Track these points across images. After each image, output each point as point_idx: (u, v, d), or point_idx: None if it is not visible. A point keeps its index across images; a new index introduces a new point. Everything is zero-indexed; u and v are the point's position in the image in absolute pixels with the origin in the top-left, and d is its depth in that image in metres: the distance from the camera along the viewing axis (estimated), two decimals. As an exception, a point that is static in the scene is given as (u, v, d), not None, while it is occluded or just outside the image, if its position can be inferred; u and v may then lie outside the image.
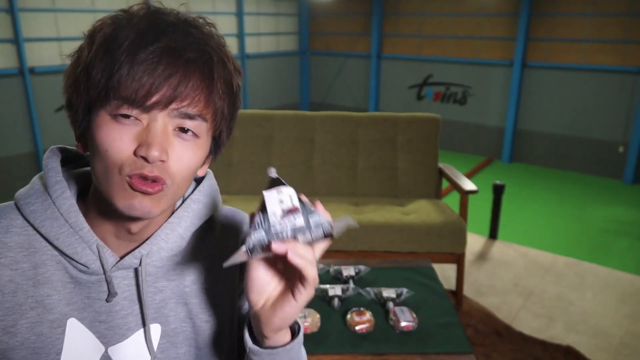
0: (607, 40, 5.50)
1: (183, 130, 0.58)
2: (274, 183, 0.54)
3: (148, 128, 0.55)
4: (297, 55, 8.22)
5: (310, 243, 0.54)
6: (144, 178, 0.56)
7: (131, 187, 0.56)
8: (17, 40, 4.64)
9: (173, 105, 0.55)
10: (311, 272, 0.53)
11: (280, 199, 0.53)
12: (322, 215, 0.53)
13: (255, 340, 0.61)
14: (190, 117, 0.57)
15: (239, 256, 0.53)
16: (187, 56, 0.55)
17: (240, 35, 7.03)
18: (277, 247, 0.51)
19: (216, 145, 0.65)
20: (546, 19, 5.86)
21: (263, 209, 0.53)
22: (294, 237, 0.52)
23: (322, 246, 0.56)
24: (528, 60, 6.04)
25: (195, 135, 0.59)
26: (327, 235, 0.54)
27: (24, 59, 4.69)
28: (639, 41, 5.29)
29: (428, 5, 6.81)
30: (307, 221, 0.52)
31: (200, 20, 0.60)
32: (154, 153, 0.54)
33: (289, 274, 0.55)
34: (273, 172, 0.54)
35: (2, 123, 4.68)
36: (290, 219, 0.52)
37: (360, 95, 7.81)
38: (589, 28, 5.60)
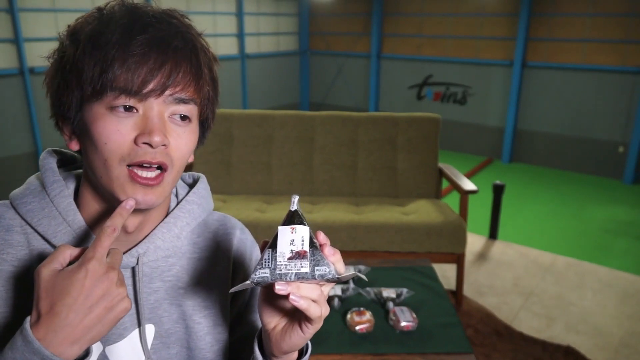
0: (607, 40, 5.50)
1: (177, 116, 0.60)
2: (292, 217, 0.53)
3: (146, 116, 0.57)
4: (297, 55, 8.21)
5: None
6: (147, 166, 0.57)
7: (132, 179, 0.57)
8: (17, 40, 4.64)
9: (167, 92, 0.57)
10: (315, 312, 0.53)
11: (292, 239, 0.52)
12: (329, 265, 0.52)
13: (264, 354, 0.63)
14: (185, 101, 0.59)
15: (246, 285, 0.54)
16: (175, 44, 0.57)
17: (240, 35, 7.03)
18: (280, 289, 0.51)
19: (202, 130, 0.67)
20: (546, 19, 5.86)
21: (274, 245, 0.52)
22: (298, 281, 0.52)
23: (329, 285, 0.57)
24: (528, 60, 6.04)
25: (188, 119, 0.61)
26: (332, 281, 0.54)
27: (24, 59, 4.68)
28: (639, 41, 5.30)
29: (428, 5, 6.80)
30: (312, 269, 0.51)
31: (176, 13, 0.62)
32: (157, 138, 0.56)
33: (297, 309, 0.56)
34: (294, 204, 0.54)
35: (2, 123, 4.68)
36: (297, 264, 0.52)
37: (360, 95, 7.81)
38: (589, 28, 5.60)
